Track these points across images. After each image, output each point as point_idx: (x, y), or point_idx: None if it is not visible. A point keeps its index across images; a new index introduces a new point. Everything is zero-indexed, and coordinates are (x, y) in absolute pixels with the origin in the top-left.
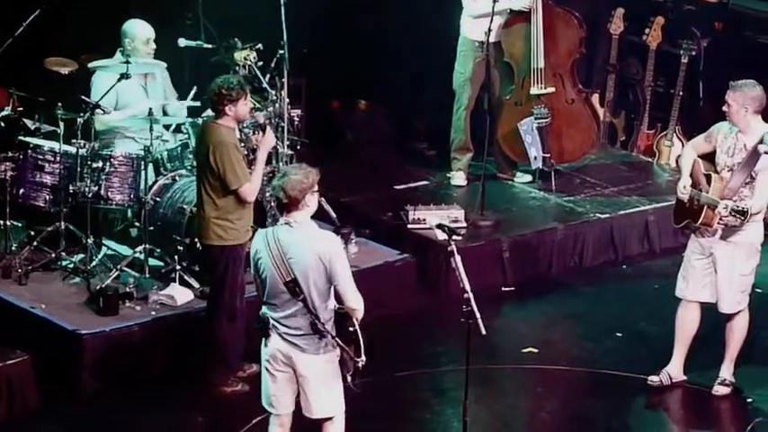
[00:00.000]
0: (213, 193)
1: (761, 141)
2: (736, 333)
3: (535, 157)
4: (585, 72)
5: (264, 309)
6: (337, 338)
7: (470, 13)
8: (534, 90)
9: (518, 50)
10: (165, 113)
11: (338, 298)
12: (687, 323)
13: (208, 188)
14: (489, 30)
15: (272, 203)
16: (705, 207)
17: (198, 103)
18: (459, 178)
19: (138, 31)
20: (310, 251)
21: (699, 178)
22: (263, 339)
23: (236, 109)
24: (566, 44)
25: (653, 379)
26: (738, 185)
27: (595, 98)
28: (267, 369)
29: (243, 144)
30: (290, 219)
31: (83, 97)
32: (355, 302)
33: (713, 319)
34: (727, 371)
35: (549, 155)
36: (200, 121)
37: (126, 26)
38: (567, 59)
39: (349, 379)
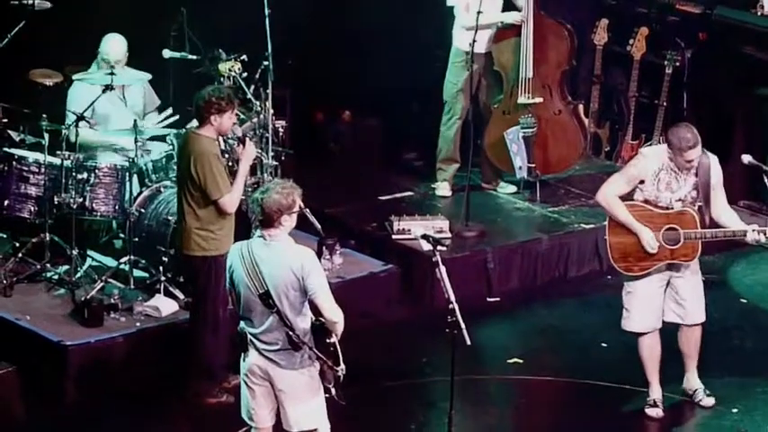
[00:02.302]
0: (194, 204)
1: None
2: (698, 341)
3: (520, 167)
4: (570, 83)
5: (242, 323)
6: (315, 350)
7: (463, 24)
8: (522, 99)
9: (507, 59)
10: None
11: (316, 310)
12: (655, 349)
13: (189, 198)
14: (474, 41)
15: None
16: (682, 242)
17: (172, 119)
18: (443, 189)
19: (109, 50)
20: (283, 265)
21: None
22: (242, 354)
23: (221, 120)
24: (555, 55)
25: (656, 413)
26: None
27: (580, 109)
28: (246, 383)
29: (228, 155)
30: (266, 232)
31: (68, 110)
32: (334, 315)
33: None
34: (698, 380)
35: (534, 165)
36: (183, 132)
37: (104, 39)
38: (555, 70)
39: (332, 391)
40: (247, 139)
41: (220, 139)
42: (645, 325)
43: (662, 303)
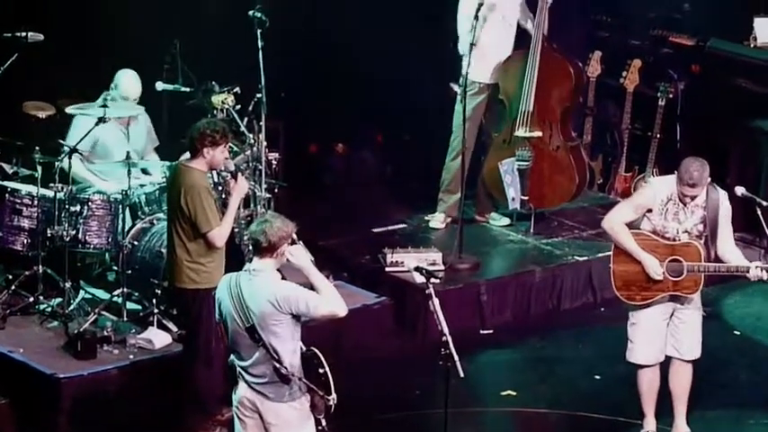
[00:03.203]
0: (185, 237)
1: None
2: (690, 379)
3: (513, 198)
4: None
5: (232, 356)
6: (305, 380)
7: (461, 50)
8: (520, 132)
9: (512, 89)
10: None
11: (306, 340)
12: (655, 382)
13: (179, 231)
14: (467, 72)
15: (249, 247)
16: (685, 274)
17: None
18: (437, 221)
19: (129, 88)
20: (264, 298)
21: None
22: (233, 387)
23: (213, 153)
24: (558, 91)
25: None
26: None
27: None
28: (237, 415)
29: (220, 188)
30: (253, 266)
31: (61, 141)
32: (330, 308)
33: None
34: (686, 427)
35: (527, 198)
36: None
37: (118, 76)
38: (557, 106)
39: (323, 423)
40: (240, 174)
41: (214, 172)
42: (648, 357)
43: (665, 337)
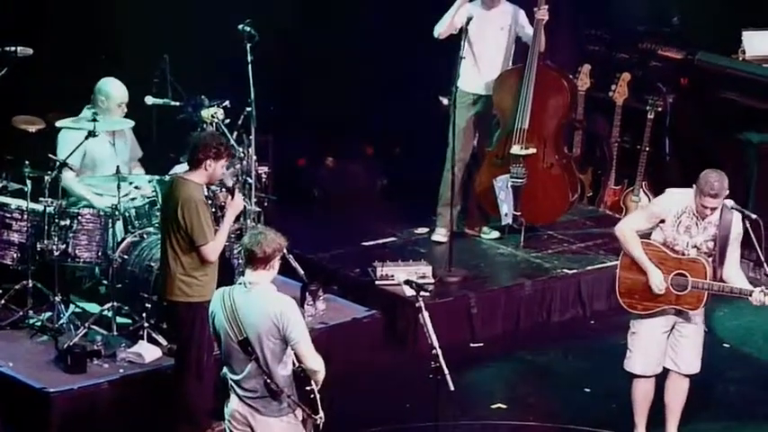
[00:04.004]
0: (179, 250)
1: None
2: (686, 394)
3: (506, 214)
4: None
5: (225, 369)
6: (293, 398)
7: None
8: (515, 150)
9: (507, 106)
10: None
11: (297, 357)
12: (649, 393)
13: (173, 244)
14: (456, 85)
15: (241, 260)
16: (689, 289)
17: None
18: (440, 235)
19: (115, 93)
20: (263, 313)
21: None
22: (225, 400)
23: (215, 166)
24: (554, 108)
25: None
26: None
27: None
28: (229, 428)
29: (210, 201)
30: (248, 279)
31: (51, 155)
32: (315, 364)
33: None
34: None
35: (519, 213)
36: (167, 178)
37: (103, 84)
38: (552, 123)
39: None
40: (237, 190)
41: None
42: (645, 368)
43: (665, 349)
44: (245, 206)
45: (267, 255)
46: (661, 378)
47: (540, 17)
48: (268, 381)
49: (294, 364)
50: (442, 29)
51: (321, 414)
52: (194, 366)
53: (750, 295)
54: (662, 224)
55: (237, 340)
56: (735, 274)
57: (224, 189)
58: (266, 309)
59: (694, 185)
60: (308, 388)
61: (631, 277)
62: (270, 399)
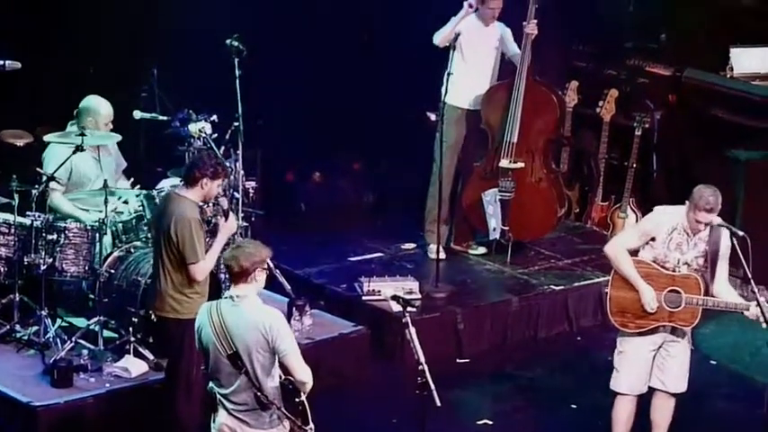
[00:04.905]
0: (170, 266)
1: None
2: (672, 411)
3: (494, 228)
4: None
5: (211, 383)
6: (283, 410)
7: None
8: (503, 163)
9: (495, 120)
10: None
11: (284, 369)
12: (632, 413)
13: (165, 260)
14: (444, 101)
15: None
16: (683, 306)
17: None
18: (433, 252)
19: (103, 110)
20: (251, 326)
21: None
22: (212, 414)
23: (210, 185)
24: (543, 123)
25: None
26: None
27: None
28: None
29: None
30: (235, 292)
31: (38, 169)
32: (304, 376)
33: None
34: None
35: (507, 228)
36: (154, 192)
37: (89, 102)
38: (541, 137)
39: None
40: (231, 213)
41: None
42: (632, 388)
43: (651, 368)
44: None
45: (245, 268)
46: (643, 395)
47: (530, 32)
48: (258, 394)
49: (280, 377)
50: (441, 36)
51: (312, 425)
52: (184, 381)
53: (747, 310)
54: (652, 242)
55: (227, 354)
56: (726, 290)
57: (215, 205)
58: (255, 322)
59: (687, 202)
60: (297, 400)
61: (623, 296)
62: (260, 411)
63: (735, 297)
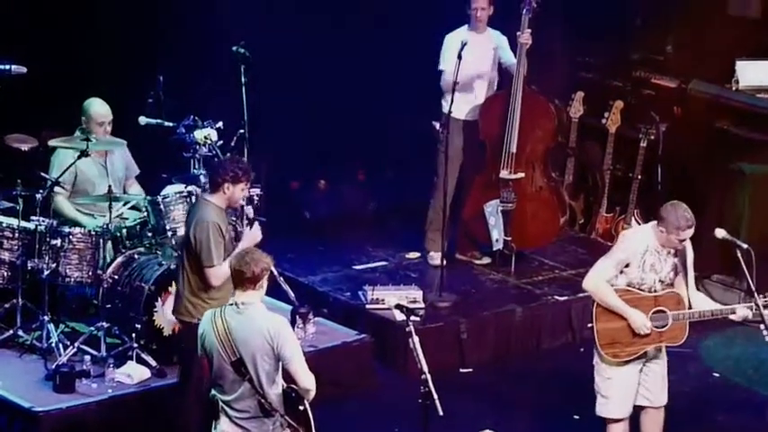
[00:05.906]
0: (188, 269)
1: None
2: (662, 423)
3: (497, 239)
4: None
5: (213, 390)
6: (287, 417)
7: (444, 88)
8: (504, 174)
9: (494, 131)
10: (124, 190)
11: (287, 377)
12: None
13: (185, 263)
14: (450, 111)
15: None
16: (670, 323)
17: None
18: (435, 259)
19: (94, 113)
20: (257, 332)
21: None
22: (213, 421)
23: (233, 190)
24: (541, 132)
25: None
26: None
27: (562, 186)
28: None
29: None
30: (240, 299)
31: (43, 174)
32: (307, 383)
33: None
34: None
35: (510, 239)
36: (158, 198)
37: (85, 104)
38: (540, 147)
39: None
40: (256, 222)
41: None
42: (623, 412)
43: (637, 387)
44: (235, 227)
45: (256, 275)
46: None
47: (524, 41)
48: (261, 401)
49: (283, 385)
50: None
51: None
52: (194, 386)
53: (733, 312)
54: (626, 268)
55: (231, 361)
56: (701, 298)
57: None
58: (260, 328)
59: (657, 223)
60: (300, 407)
61: (611, 327)
62: (263, 418)
63: (712, 303)
